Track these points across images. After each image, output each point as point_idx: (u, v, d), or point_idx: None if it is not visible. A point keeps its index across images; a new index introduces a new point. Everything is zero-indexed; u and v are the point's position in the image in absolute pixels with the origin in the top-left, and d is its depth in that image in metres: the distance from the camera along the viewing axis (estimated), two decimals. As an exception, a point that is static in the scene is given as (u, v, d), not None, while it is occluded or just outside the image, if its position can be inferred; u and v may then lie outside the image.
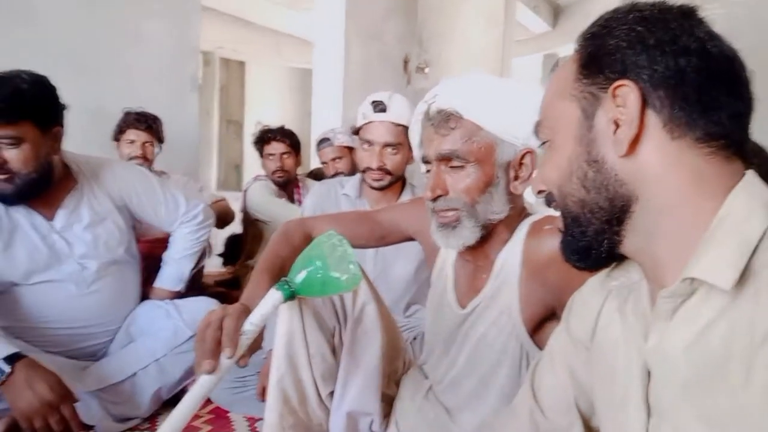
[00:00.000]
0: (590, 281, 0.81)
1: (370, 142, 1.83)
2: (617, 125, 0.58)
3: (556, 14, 7.47)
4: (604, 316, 0.74)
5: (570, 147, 0.62)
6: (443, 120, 1.03)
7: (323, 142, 2.99)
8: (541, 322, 1.06)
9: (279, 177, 2.94)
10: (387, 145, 1.81)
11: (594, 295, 0.77)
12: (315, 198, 2.01)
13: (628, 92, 0.57)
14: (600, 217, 0.61)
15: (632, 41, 0.57)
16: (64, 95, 1.57)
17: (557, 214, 0.69)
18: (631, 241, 0.61)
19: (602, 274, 0.75)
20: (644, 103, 0.57)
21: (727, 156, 0.58)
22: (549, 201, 0.68)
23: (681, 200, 0.57)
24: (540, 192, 0.70)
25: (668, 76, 0.56)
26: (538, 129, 0.68)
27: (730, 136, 0.57)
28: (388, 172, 1.84)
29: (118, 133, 2.54)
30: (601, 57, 0.60)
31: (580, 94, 0.61)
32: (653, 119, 0.57)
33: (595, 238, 0.62)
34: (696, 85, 0.56)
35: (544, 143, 0.68)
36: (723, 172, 0.57)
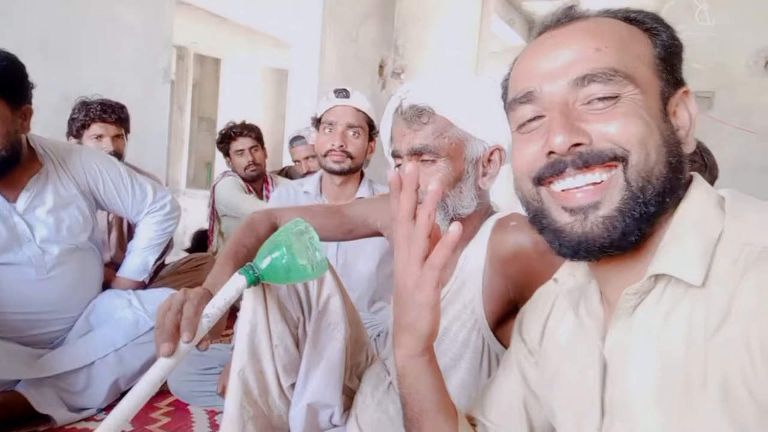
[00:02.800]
0: (541, 287, 0.83)
1: (332, 124, 1.88)
2: (677, 122, 0.62)
3: (530, 28, 7.62)
4: (553, 320, 0.75)
5: (657, 117, 0.59)
6: (416, 115, 1.05)
7: (297, 139, 2.99)
8: (504, 318, 1.08)
9: (252, 171, 2.93)
10: (349, 126, 1.87)
11: (542, 299, 0.79)
12: (276, 202, 2.04)
13: (693, 101, 0.63)
14: (661, 201, 0.58)
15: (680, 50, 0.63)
16: (33, 79, 1.53)
17: (522, 212, 0.69)
18: None
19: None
20: None
21: None
22: (586, 161, 0.58)
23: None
24: (575, 146, 0.59)
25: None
26: (606, 73, 0.59)
27: None
28: (349, 155, 1.87)
29: (81, 128, 2.19)
30: (674, 56, 0.62)
31: (661, 75, 0.61)
32: None
33: (650, 218, 0.58)
34: None
35: (604, 99, 0.59)
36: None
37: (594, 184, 0.59)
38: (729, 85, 4.07)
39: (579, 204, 0.59)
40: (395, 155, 1.10)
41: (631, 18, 0.64)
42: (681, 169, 0.60)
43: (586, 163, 0.58)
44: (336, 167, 1.88)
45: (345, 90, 1.89)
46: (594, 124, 0.59)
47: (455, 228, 0.64)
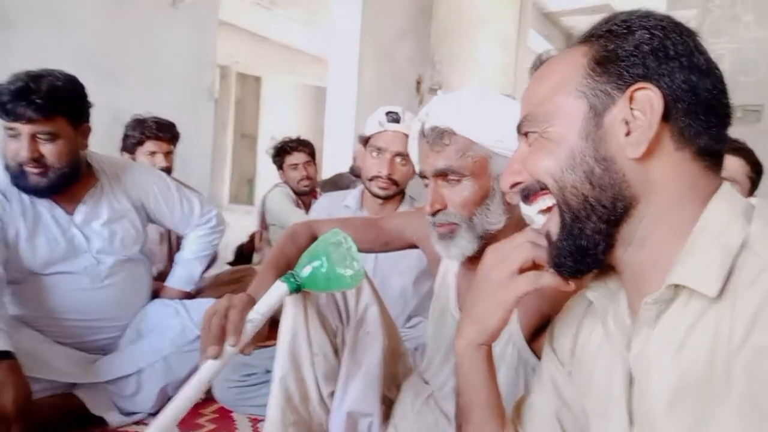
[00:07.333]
0: (572, 297, 0.83)
1: (381, 150, 1.85)
2: (628, 127, 0.59)
3: (568, 43, 7.55)
4: (585, 329, 0.76)
5: (572, 141, 0.61)
6: (437, 137, 1.06)
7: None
8: (539, 331, 1.09)
9: (305, 185, 3.05)
10: (398, 154, 1.85)
11: (573, 310, 0.79)
12: (317, 213, 2.08)
13: (651, 97, 0.57)
14: (601, 215, 0.61)
15: (655, 48, 0.58)
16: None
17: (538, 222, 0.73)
18: (620, 246, 0.62)
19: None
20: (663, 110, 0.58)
21: (716, 170, 0.61)
22: (527, 194, 0.68)
23: (675, 209, 0.59)
24: (514, 185, 0.68)
25: (685, 89, 0.58)
26: (524, 122, 0.66)
27: (722, 151, 0.61)
28: (395, 182, 1.87)
29: (135, 145, 2.33)
30: (621, 56, 0.59)
31: (591, 91, 0.61)
32: (665, 127, 0.58)
33: (592, 237, 0.62)
34: (705, 102, 0.58)
35: (527, 134, 0.67)
36: (711, 184, 0.60)
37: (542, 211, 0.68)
38: (776, 97, 3.94)
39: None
40: (422, 176, 1.12)
41: (591, 35, 0.65)
42: (619, 181, 0.60)
43: (526, 198, 0.68)
44: (381, 193, 1.87)
45: (396, 113, 1.85)
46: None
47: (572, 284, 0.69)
